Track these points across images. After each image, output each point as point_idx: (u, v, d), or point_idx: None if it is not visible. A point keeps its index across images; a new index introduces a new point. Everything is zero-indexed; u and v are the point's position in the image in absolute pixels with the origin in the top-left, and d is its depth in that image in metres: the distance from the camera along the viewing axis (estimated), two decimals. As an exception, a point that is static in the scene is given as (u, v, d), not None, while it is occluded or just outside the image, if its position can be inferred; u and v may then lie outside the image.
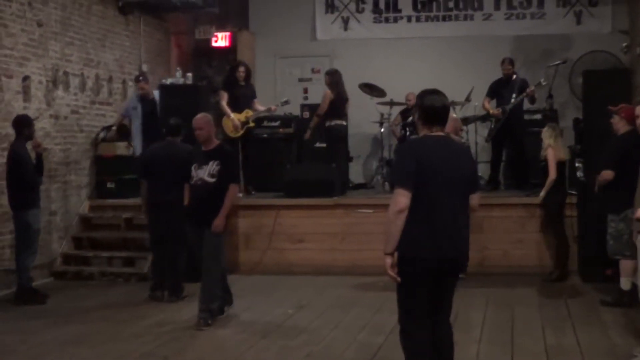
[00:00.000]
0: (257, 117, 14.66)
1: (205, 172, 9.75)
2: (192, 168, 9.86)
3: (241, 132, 14.32)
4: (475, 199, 6.43)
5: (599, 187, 10.14)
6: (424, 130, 6.26)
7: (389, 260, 6.02)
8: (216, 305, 9.97)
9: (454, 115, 13.04)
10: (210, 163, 9.77)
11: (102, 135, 14.72)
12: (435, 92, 6.33)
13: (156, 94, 14.29)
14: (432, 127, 6.20)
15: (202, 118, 10.05)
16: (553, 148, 11.95)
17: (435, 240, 6.01)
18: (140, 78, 14.61)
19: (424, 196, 5.96)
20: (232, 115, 14.22)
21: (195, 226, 9.97)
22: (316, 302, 11.19)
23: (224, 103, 14.32)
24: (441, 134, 6.26)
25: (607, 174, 9.88)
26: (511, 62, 14.74)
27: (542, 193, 12.15)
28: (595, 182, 10.32)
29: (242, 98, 14.46)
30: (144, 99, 14.32)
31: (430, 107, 6.20)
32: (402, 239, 5.98)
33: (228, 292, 10.51)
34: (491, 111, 14.30)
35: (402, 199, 5.93)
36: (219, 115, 15.61)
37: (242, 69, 14.56)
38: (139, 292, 11.96)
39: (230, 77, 14.75)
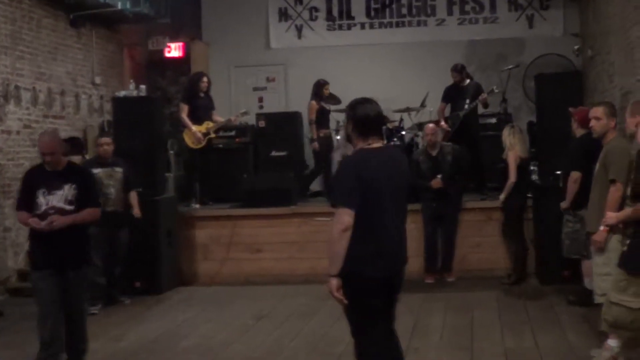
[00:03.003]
0: (217, 128, 14.61)
1: (61, 198, 7.81)
2: (38, 194, 7.79)
3: (203, 143, 14.26)
4: None
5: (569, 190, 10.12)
6: (360, 142, 6.08)
7: (334, 282, 5.85)
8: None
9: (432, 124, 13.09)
10: (66, 187, 7.85)
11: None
12: (368, 101, 6.18)
13: (108, 106, 14.20)
14: (368, 138, 6.06)
15: (52, 140, 7.97)
16: (514, 150, 11.96)
17: (382, 256, 5.94)
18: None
19: (368, 212, 5.85)
20: (194, 127, 14.14)
21: (53, 274, 7.79)
22: (276, 312, 11.16)
23: (184, 116, 14.23)
24: (378, 145, 6.13)
25: (574, 175, 9.89)
26: (459, 69, 14.61)
27: (502, 196, 12.17)
28: (562, 183, 10.31)
29: (202, 109, 14.39)
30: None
31: (365, 117, 6.05)
32: (349, 256, 5.82)
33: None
34: (441, 124, 14.26)
35: (346, 217, 5.78)
36: (174, 126, 15.61)
37: (205, 79, 14.52)
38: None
39: (191, 88, 14.62)
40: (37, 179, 7.94)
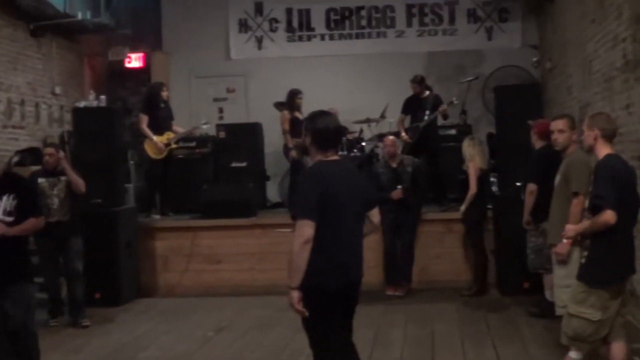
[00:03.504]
0: (178, 138, 14.58)
1: None
2: None
3: (165, 154, 14.22)
4: (375, 216, 6.42)
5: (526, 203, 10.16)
6: (319, 155, 6.13)
7: (296, 295, 5.89)
8: None
9: (392, 137, 13.11)
10: (4, 197, 7.48)
11: (15, 159, 14.47)
12: (326, 114, 6.26)
13: (68, 116, 14.10)
14: (327, 151, 6.11)
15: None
16: (474, 161, 12.02)
17: (341, 268, 5.98)
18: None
19: (328, 224, 5.87)
20: (155, 137, 14.10)
21: None
22: (237, 323, 11.12)
23: (144, 126, 14.12)
24: (336, 157, 6.18)
25: (530, 187, 9.94)
26: (418, 80, 14.65)
27: (463, 207, 12.19)
28: (523, 195, 10.36)
29: (162, 120, 14.30)
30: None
31: (325, 130, 6.10)
32: (307, 270, 5.85)
33: None
34: (402, 135, 14.30)
35: (307, 230, 5.80)
36: (135, 137, 15.53)
37: (165, 89, 14.48)
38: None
39: (152, 98, 14.49)
40: None
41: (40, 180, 11.04)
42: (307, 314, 5.93)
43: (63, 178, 11.20)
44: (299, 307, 5.90)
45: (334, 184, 5.97)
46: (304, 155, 14.23)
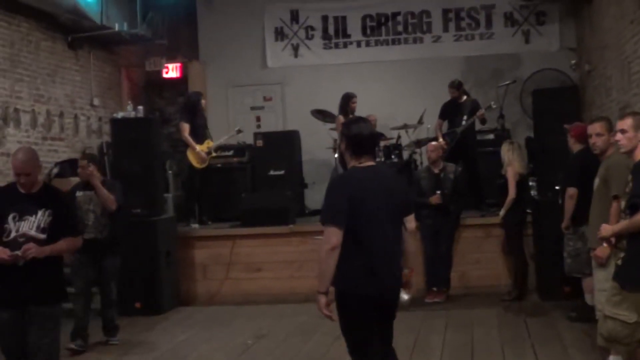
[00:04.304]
0: (218, 146, 14.65)
1: (32, 225, 6.92)
2: (8, 218, 6.89)
3: (207, 162, 14.30)
4: (411, 221, 6.40)
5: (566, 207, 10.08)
6: (353, 161, 6.17)
7: (323, 299, 5.92)
8: None
9: (434, 143, 13.09)
10: (40, 212, 6.96)
11: (55, 171, 14.59)
12: (362, 120, 6.31)
13: (107, 127, 14.15)
14: (361, 157, 6.13)
15: (28, 159, 7.01)
16: (513, 166, 11.95)
17: (374, 274, 5.96)
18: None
19: (357, 230, 5.90)
20: (198, 147, 14.16)
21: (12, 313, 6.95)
22: (275, 331, 11.12)
23: (187, 135, 14.17)
24: (371, 163, 6.19)
25: (570, 191, 9.86)
26: (456, 85, 14.59)
27: (502, 212, 12.13)
28: (561, 199, 10.28)
29: (200, 129, 14.42)
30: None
31: (358, 136, 6.12)
32: (341, 275, 5.88)
33: None
34: (439, 141, 14.19)
35: (333, 237, 5.83)
36: (173, 146, 15.61)
37: (203, 98, 14.56)
38: (97, 327, 11.83)
39: (192, 107, 14.55)
40: (7, 202, 7.02)
41: (78, 193, 10.49)
42: (334, 318, 5.98)
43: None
44: (326, 311, 5.94)
45: (363, 189, 5.99)
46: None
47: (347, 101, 14.46)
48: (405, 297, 6.33)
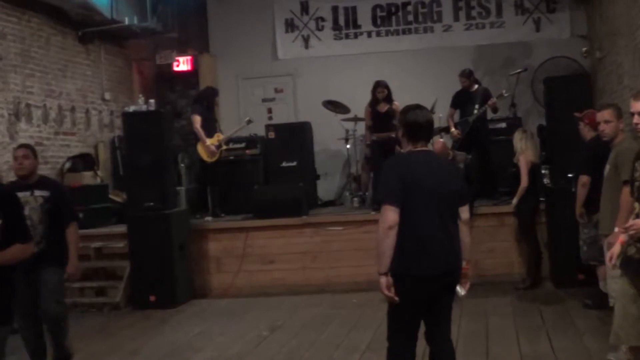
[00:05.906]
0: (228, 139, 14.69)
1: None
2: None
3: (217, 156, 14.32)
4: (466, 212, 6.38)
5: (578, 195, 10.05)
6: (409, 146, 6.21)
7: (384, 280, 5.88)
8: None
9: (442, 139, 13.10)
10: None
11: (67, 165, 14.63)
12: (418, 107, 6.29)
13: (118, 121, 14.17)
14: (417, 142, 6.16)
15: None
16: (525, 154, 11.92)
17: (429, 255, 5.95)
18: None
19: (412, 212, 5.90)
20: (208, 140, 14.20)
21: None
22: (290, 322, 11.13)
23: (199, 127, 14.20)
24: (426, 149, 6.25)
25: (582, 179, 9.83)
26: (467, 74, 14.63)
27: (515, 200, 12.08)
28: (574, 187, 10.24)
29: (211, 122, 14.49)
30: None
31: (415, 123, 6.15)
32: (395, 256, 5.86)
33: None
34: (451, 130, 14.26)
35: (391, 214, 5.84)
36: (185, 139, 15.64)
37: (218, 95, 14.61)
38: (111, 321, 11.90)
39: (206, 101, 14.63)
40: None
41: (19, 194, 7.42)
42: (397, 299, 5.93)
43: (39, 193, 8.39)
44: (388, 292, 5.90)
45: (417, 172, 6.02)
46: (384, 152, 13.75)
47: (374, 90, 14.38)
48: (461, 293, 6.36)
